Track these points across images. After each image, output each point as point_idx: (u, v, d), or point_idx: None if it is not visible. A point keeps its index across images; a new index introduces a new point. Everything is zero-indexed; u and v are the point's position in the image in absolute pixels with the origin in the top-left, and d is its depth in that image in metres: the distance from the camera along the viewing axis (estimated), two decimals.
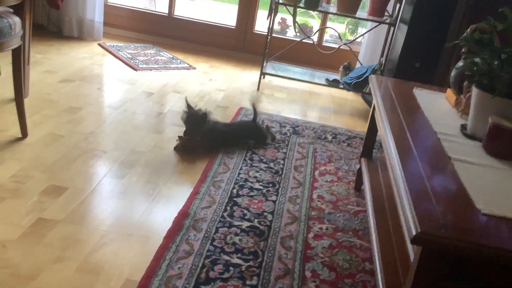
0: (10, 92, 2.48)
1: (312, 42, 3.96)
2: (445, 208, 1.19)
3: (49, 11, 4.15)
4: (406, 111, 1.91)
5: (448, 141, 1.63)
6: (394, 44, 3.48)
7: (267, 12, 3.64)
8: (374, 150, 2.43)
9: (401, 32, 3.35)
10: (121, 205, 2.01)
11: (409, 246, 1.28)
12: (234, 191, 2.23)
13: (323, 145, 2.89)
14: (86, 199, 2.00)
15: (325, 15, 4.30)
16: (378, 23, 3.63)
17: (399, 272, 1.52)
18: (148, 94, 3.25)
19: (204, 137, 2.55)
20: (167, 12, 4.46)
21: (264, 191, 2.28)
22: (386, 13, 3.60)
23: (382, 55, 3.71)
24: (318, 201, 2.27)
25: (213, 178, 2.32)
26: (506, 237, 1.13)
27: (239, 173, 2.40)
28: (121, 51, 4.00)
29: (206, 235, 1.88)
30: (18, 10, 2.23)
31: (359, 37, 4.49)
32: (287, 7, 3.64)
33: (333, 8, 3.72)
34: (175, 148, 2.54)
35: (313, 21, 5.83)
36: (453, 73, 1.99)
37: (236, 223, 2.00)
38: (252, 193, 2.24)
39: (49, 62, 3.51)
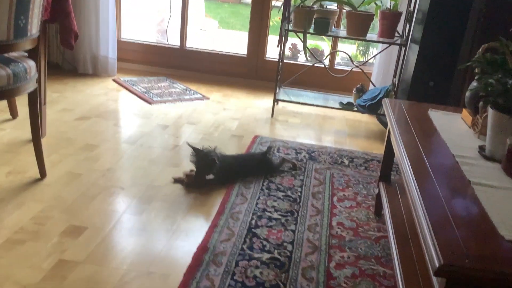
0: (27, 133, 2.52)
1: (323, 66, 3.97)
2: (467, 236, 1.17)
3: (64, 50, 4.24)
4: (422, 134, 1.89)
5: (467, 164, 1.61)
6: (406, 64, 3.47)
7: (277, 38, 3.67)
8: (392, 172, 2.41)
9: (413, 52, 3.34)
10: (140, 242, 2.01)
11: (433, 276, 1.25)
12: (253, 222, 2.22)
13: (340, 170, 2.87)
14: (106, 238, 2.01)
15: (335, 38, 4.32)
16: (389, 45, 3.63)
17: None
18: (163, 127, 3.27)
19: (214, 176, 2.55)
20: (178, 44, 4.52)
21: (282, 220, 2.26)
22: (396, 34, 3.60)
23: (395, 76, 3.70)
24: (338, 228, 2.25)
25: (231, 209, 2.31)
26: None
27: (257, 203, 2.39)
28: (135, 85, 4.06)
29: (226, 269, 1.87)
30: (32, 53, 2.28)
31: (370, 59, 4.50)
32: (297, 33, 3.67)
33: (342, 32, 3.73)
34: (181, 183, 2.53)
35: (324, 43, 5.87)
36: (467, 93, 1.97)
37: (256, 255, 1.98)
38: (270, 223, 2.22)
39: (65, 100, 3.57)
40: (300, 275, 1.88)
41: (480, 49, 1.87)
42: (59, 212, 2.15)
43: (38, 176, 2.42)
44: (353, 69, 3.90)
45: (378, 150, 3.23)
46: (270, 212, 2.32)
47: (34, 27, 2.15)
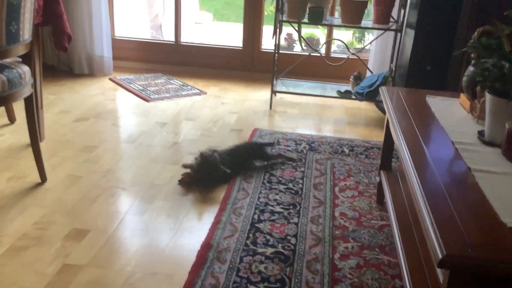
0: (26, 138, 2.52)
1: (320, 55, 3.95)
2: (469, 225, 1.16)
3: (59, 51, 4.22)
4: (420, 121, 1.88)
5: (466, 150, 1.60)
6: (402, 50, 3.45)
7: (272, 28, 3.65)
8: (393, 160, 2.40)
9: (409, 37, 3.32)
10: (144, 242, 2.01)
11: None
12: (255, 216, 2.22)
13: (341, 159, 2.87)
14: (109, 240, 2.01)
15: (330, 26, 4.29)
16: (384, 31, 3.60)
17: None
18: (161, 124, 3.26)
19: (215, 175, 2.53)
20: (173, 40, 4.50)
21: (285, 213, 2.26)
22: (391, 19, 3.57)
23: (391, 62, 3.68)
24: (341, 218, 2.25)
25: (233, 205, 2.31)
26: None
27: (259, 197, 2.39)
28: (132, 83, 4.05)
29: (230, 266, 1.87)
30: (26, 58, 2.27)
31: (366, 45, 4.47)
32: (292, 23, 3.65)
33: (337, 20, 3.71)
34: (180, 182, 2.51)
35: (319, 31, 5.84)
36: (464, 78, 1.96)
37: (260, 250, 1.98)
38: (273, 217, 2.22)
39: (62, 102, 3.56)
40: (305, 268, 1.88)
41: (475, 33, 1.86)
42: (61, 216, 2.15)
43: (39, 180, 2.41)
44: (349, 57, 3.88)
45: (378, 137, 3.22)
46: (272, 205, 2.32)
47: (26, 32, 2.13)
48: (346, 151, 2.98)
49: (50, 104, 3.47)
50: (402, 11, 3.45)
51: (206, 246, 1.99)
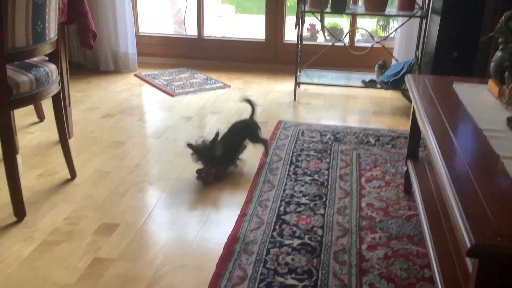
0: (55, 135, 2.56)
1: (343, 44, 3.91)
2: (498, 214, 1.14)
3: (84, 49, 4.28)
4: (447, 109, 1.85)
5: (495, 137, 1.57)
6: (428, 37, 3.39)
7: (294, 19, 3.63)
8: (420, 148, 2.37)
9: (434, 23, 3.26)
10: (172, 236, 2.04)
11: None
12: (282, 208, 2.22)
13: (367, 149, 2.84)
14: (138, 234, 2.04)
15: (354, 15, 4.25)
16: (409, 17, 3.55)
17: (459, 279, 1.46)
18: (187, 118, 3.29)
19: (220, 164, 2.50)
20: (196, 34, 4.52)
21: (311, 205, 2.26)
22: (416, 6, 3.51)
23: (417, 49, 3.63)
24: (368, 209, 2.23)
25: (259, 197, 2.31)
26: None
27: (284, 189, 2.39)
28: (157, 78, 4.08)
29: (258, 258, 1.88)
30: (52, 57, 2.31)
31: (391, 33, 4.41)
32: (314, 13, 3.62)
33: (361, 9, 3.67)
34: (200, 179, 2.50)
35: (342, 20, 5.78)
36: (492, 64, 1.92)
37: (287, 242, 1.99)
38: (299, 209, 2.22)
39: (90, 99, 3.62)
40: (332, 259, 1.88)
41: (503, 18, 1.81)
42: (91, 211, 2.19)
43: (68, 176, 2.46)
44: (374, 45, 3.83)
45: (405, 126, 3.18)
46: (298, 197, 2.32)
47: (52, 31, 2.17)
48: (372, 141, 2.95)
49: (77, 101, 3.53)
50: None
51: (233, 238, 2.00)
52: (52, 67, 2.26)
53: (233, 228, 2.08)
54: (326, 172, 2.56)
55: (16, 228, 2.05)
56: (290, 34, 4.50)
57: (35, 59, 2.27)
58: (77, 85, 3.89)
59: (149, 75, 4.18)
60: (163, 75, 4.19)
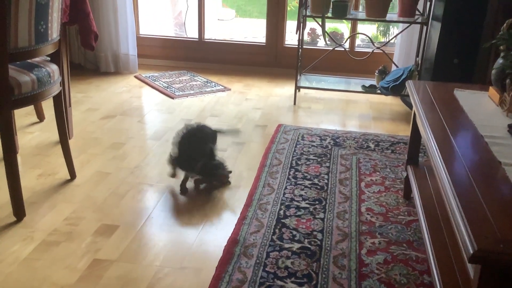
0: (55, 135, 2.56)
1: (344, 49, 3.93)
2: (500, 220, 1.15)
3: (85, 50, 4.28)
4: (448, 115, 1.86)
5: (496, 144, 1.57)
6: (429, 43, 3.40)
7: (295, 23, 3.63)
8: (420, 154, 2.38)
9: (435, 29, 3.27)
10: (172, 237, 2.04)
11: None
12: (281, 212, 2.22)
13: (366, 154, 2.85)
14: (138, 235, 2.04)
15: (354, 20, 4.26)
16: (409, 24, 3.56)
17: (459, 285, 1.46)
18: (187, 121, 3.29)
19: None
20: (197, 37, 4.53)
21: (311, 209, 2.26)
22: (417, 12, 3.53)
23: (417, 55, 3.64)
24: (368, 214, 2.23)
25: (259, 201, 2.31)
26: None
27: (284, 193, 2.39)
28: (157, 80, 4.08)
29: (257, 261, 1.88)
30: (54, 57, 2.31)
31: (391, 39, 4.42)
32: (315, 18, 3.63)
33: (362, 14, 3.68)
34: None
35: (343, 25, 5.79)
36: (493, 71, 1.93)
37: (287, 245, 1.99)
38: (299, 213, 2.22)
39: (90, 100, 3.62)
40: (332, 263, 1.88)
41: (505, 25, 1.82)
42: (91, 212, 2.19)
43: (68, 177, 2.46)
44: (374, 51, 3.84)
45: (404, 132, 3.19)
46: (298, 201, 2.32)
47: (54, 31, 2.17)
48: (372, 146, 2.96)
49: (78, 102, 3.53)
50: (428, 3, 3.40)
51: (233, 241, 2.00)
52: (54, 67, 2.26)
53: (233, 231, 2.08)
54: (326, 176, 2.57)
55: (16, 228, 2.05)
56: (290, 38, 4.51)
57: (37, 59, 2.27)
58: (77, 86, 3.89)
59: (149, 77, 4.18)
60: (164, 77, 4.19)
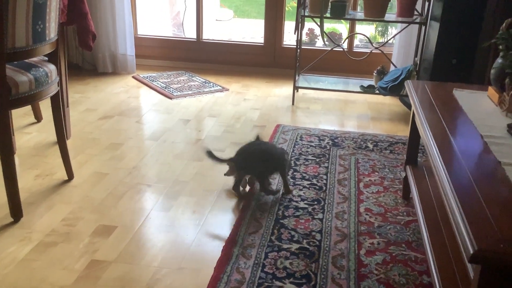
0: (53, 136, 2.55)
1: (342, 49, 3.92)
2: (500, 220, 1.14)
3: (83, 50, 4.27)
4: (447, 115, 1.86)
5: (496, 144, 1.57)
6: (427, 43, 3.40)
7: (294, 24, 3.63)
8: (419, 155, 2.37)
9: (433, 29, 3.27)
10: (170, 238, 2.03)
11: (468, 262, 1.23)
12: (280, 212, 2.22)
13: (365, 154, 2.84)
14: (136, 236, 2.03)
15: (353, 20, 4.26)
16: (408, 24, 3.56)
17: (459, 286, 1.46)
18: (185, 121, 3.28)
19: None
20: (195, 37, 4.52)
21: (309, 209, 2.25)
22: (415, 12, 3.53)
23: (416, 55, 3.64)
24: (366, 214, 2.23)
25: (257, 201, 2.31)
26: None
27: (283, 193, 2.38)
28: (155, 81, 4.07)
29: (256, 261, 1.87)
30: (52, 57, 2.29)
31: (390, 39, 4.42)
32: (314, 18, 3.62)
33: (360, 14, 3.67)
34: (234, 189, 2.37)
35: (341, 26, 5.79)
36: (493, 70, 1.92)
37: (285, 246, 1.98)
38: (298, 213, 2.22)
39: (88, 100, 3.61)
40: (331, 264, 1.87)
41: (504, 24, 1.82)
42: (89, 213, 2.17)
43: (66, 177, 2.45)
44: (372, 51, 3.84)
45: (403, 132, 3.19)
46: (296, 201, 2.31)
47: (52, 31, 2.16)
48: (370, 146, 2.95)
49: (75, 103, 3.52)
50: (427, 3, 3.41)
51: (231, 241, 1.99)
52: (52, 67, 2.25)
53: (231, 231, 2.07)
54: (325, 176, 2.56)
55: (13, 228, 2.04)
56: (289, 39, 4.51)
57: (34, 59, 2.26)
58: (75, 86, 3.87)
59: (147, 77, 4.17)
60: (161, 77, 4.19)
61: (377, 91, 3.63)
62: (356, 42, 4.57)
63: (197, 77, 4.23)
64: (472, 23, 3.08)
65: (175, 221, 2.15)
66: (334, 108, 3.66)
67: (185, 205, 2.28)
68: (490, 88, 2.04)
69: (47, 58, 2.31)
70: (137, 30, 4.54)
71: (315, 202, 2.31)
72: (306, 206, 2.28)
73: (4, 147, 2.03)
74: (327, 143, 2.97)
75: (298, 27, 3.60)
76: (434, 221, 1.79)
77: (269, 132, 3.14)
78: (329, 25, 5.81)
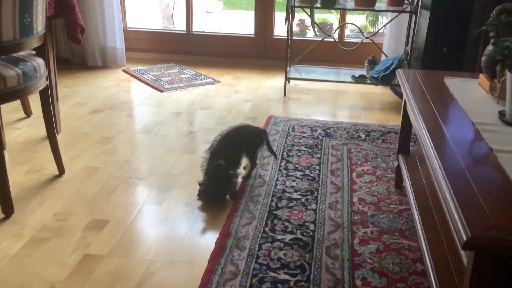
0: (43, 131, 2.53)
1: (333, 40, 3.91)
2: (493, 207, 1.14)
3: (72, 44, 4.23)
4: (439, 103, 1.85)
5: (487, 131, 1.57)
6: (418, 32, 3.40)
7: (284, 14, 3.61)
8: (411, 143, 2.37)
9: (424, 18, 3.27)
10: (163, 231, 2.02)
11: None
12: (273, 204, 2.21)
13: (357, 144, 2.84)
14: (128, 230, 2.02)
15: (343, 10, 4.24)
16: (398, 13, 3.55)
17: (453, 273, 1.46)
18: (176, 114, 3.26)
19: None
20: (185, 29, 4.48)
21: (303, 200, 2.25)
22: (406, 1, 3.52)
23: (406, 44, 3.63)
24: (359, 204, 2.23)
25: (250, 193, 2.30)
26: None
27: (276, 185, 2.37)
28: (146, 74, 4.05)
29: (250, 253, 1.87)
30: (40, 51, 2.27)
31: (380, 29, 4.41)
32: (304, 8, 3.61)
33: (350, 4, 3.66)
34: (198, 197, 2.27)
35: (332, 16, 5.77)
36: (483, 58, 1.92)
37: (279, 237, 1.98)
38: (291, 204, 2.21)
39: (77, 94, 3.58)
40: (325, 254, 1.87)
41: (494, 11, 1.81)
42: (80, 207, 2.16)
43: (57, 172, 2.43)
44: (363, 41, 3.83)
45: (395, 121, 3.19)
46: (289, 192, 2.31)
47: (39, 25, 2.13)
48: (363, 136, 2.95)
49: (65, 97, 3.49)
50: None
51: (225, 234, 1.99)
52: (40, 61, 2.22)
53: (225, 223, 2.06)
54: (317, 167, 2.56)
55: (4, 224, 2.02)
56: (279, 30, 4.49)
57: (22, 53, 2.23)
58: (64, 81, 3.84)
59: (137, 70, 4.14)
60: (152, 70, 4.16)
61: (368, 81, 3.63)
62: (347, 32, 4.55)
63: (188, 69, 4.21)
64: (462, 10, 3.08)
65: (168, 214, 2.14)
66: (326, 99, 3.66)
67: (178, 198, 2.27)
68: (481, 75, 2.04)
69: (35, 52, 2.29)
70: (126, 23, 4.50)
71: (308, 193, 2.31)
72: (300, 197, 2.27)
73: None
74: (319, 133, 2.97)
75: (289, 18, 3.58)
76: (427, 209, 1.79)
77: (261, 123, 3.13)
78: (319, 16, 5.79)
